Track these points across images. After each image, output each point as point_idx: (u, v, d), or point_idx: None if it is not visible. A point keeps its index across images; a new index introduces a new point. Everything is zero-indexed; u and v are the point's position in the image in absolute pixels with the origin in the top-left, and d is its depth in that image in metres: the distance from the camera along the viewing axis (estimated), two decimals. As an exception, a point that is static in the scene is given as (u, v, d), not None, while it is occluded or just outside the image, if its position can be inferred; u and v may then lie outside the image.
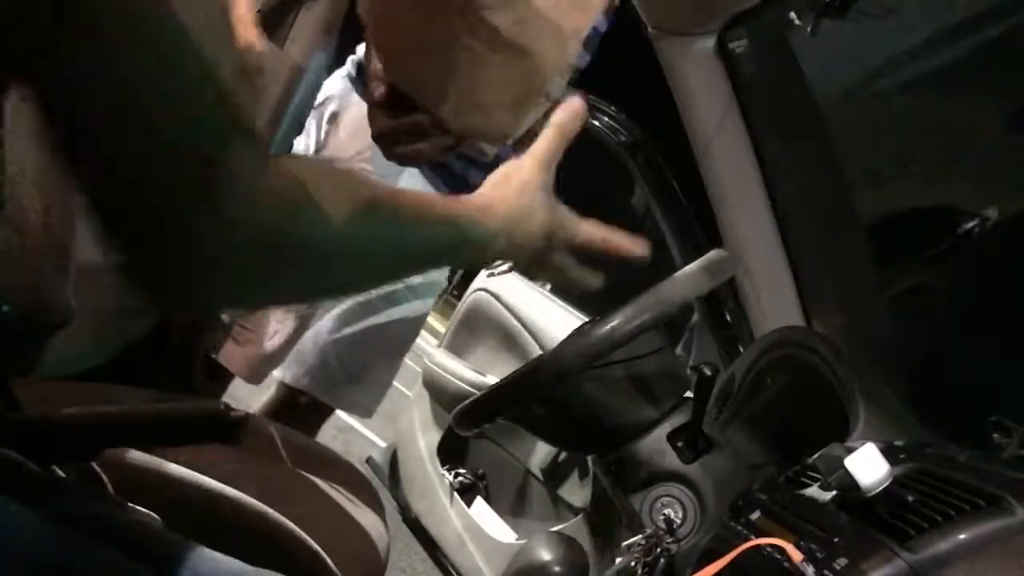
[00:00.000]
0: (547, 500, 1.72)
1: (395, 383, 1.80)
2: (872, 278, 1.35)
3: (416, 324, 1.75)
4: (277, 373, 1.64)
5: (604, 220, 0.79)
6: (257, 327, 1.47)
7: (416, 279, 1.66)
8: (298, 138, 1.53)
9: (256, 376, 1.54)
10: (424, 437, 1.95)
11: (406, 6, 0.81)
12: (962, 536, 0.62)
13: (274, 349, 1.50)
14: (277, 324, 1.48)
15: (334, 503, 1.03)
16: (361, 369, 1.68)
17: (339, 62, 1.54)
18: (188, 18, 0.38)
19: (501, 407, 1.02)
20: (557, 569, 1.16)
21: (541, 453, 1.72)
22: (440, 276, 1.75)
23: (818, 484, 0.78)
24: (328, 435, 1.84)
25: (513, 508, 1.79)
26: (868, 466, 0.68)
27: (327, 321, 1.62)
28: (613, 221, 0.78)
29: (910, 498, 0.67)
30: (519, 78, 0.84)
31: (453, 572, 1.75)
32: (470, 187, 0.94)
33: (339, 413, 1.78)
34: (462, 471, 1.83)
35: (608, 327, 0.95)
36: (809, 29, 1.10)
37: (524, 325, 1.75)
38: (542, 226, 0.72)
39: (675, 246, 1.53)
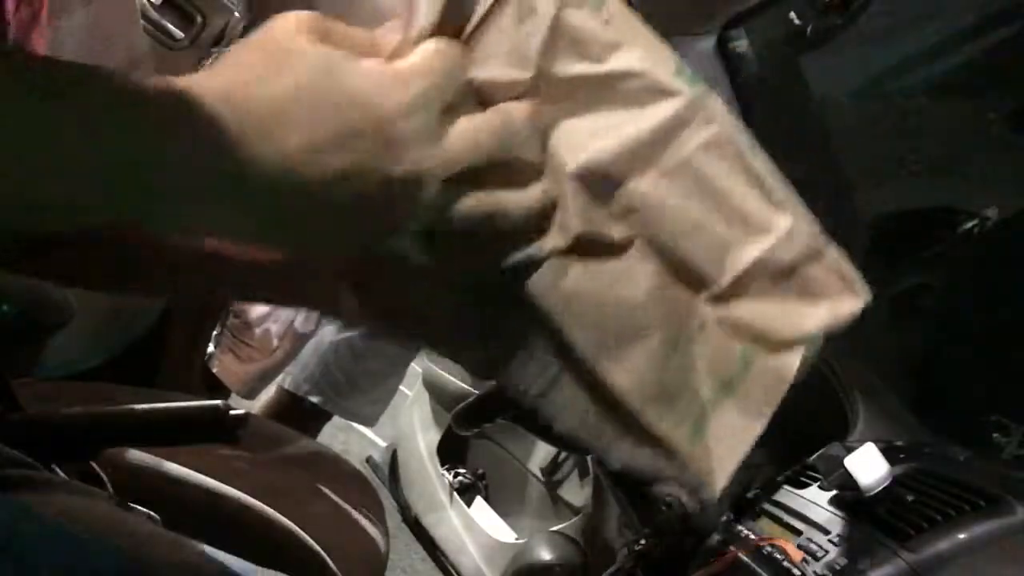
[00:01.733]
0: (547, 500, 1.72)
1: (395, 383, 1.79)
2: (872, 278, 1.34)
3: None
4: (277, 377, 1.62)
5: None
6: (260, 344, 1.46)
7: None
8: None
9: (252, 392, 1.53)
10: (424, 437, 1.95)
11: None
12: (962, 536, 0.62)
13: (273, 365, 1.49)
14: (278, 340, 1.46)
15: (334, 503, 1.03)
16: (364, 378, 1.65)
17: None
18: None
19: (501, 407, 1.02)
20: (557, 569, 1.16)
21: (541, 453, 1.72)
22: None
23: (818, 484, 0.78)
24: (328, 435, 1.84)
25: (513, 508, 1.79)
26: (868, 466, 0.68)
27: (330, 326, 1.61)
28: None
29: (910, 498, 0.67)
30: None
31: (453, 572, 1.75)
32: None
33: (339, 412, 1.77)
34: (462, 471, 1.83)
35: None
36: (809, 28, 1.10)
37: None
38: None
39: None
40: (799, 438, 0.92)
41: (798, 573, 0.65)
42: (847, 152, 1.32)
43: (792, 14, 1.12)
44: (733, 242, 0.41)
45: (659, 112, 0.39)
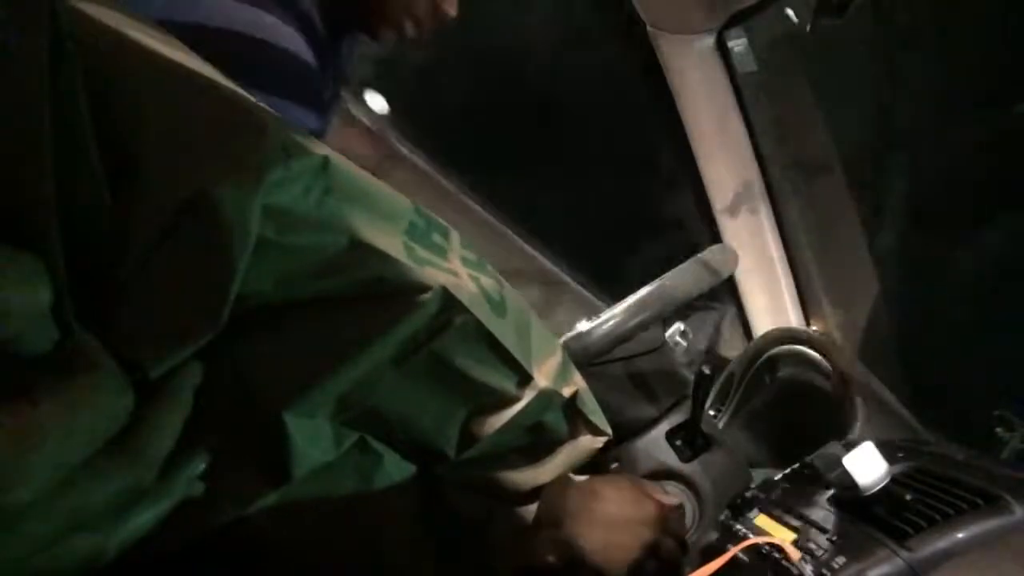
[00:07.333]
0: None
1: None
2: (871, 278, 1.34)
3: None
4: None
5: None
6: None
7: None
8: None
9: None
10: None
11: None
12: (960, 535, 0.61)
13: None
14: None
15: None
16: None
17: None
18: None
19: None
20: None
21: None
22: None
23: (817, 483, 0.78)
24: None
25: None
26: (866, 465, 0.68)
27: None
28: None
29: (908, 497, 0.67)
30: None
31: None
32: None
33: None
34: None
35: (609, 324, 0.95)
36: (808, 27, 1.10)
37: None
38: None
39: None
40: (798, 437, 0.92)
41: (796, 572, 0.65)
42: (847, 151, 1.31)
43: (791, 12, 1.12)
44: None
45: None
